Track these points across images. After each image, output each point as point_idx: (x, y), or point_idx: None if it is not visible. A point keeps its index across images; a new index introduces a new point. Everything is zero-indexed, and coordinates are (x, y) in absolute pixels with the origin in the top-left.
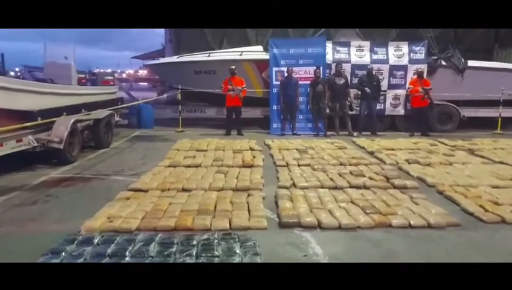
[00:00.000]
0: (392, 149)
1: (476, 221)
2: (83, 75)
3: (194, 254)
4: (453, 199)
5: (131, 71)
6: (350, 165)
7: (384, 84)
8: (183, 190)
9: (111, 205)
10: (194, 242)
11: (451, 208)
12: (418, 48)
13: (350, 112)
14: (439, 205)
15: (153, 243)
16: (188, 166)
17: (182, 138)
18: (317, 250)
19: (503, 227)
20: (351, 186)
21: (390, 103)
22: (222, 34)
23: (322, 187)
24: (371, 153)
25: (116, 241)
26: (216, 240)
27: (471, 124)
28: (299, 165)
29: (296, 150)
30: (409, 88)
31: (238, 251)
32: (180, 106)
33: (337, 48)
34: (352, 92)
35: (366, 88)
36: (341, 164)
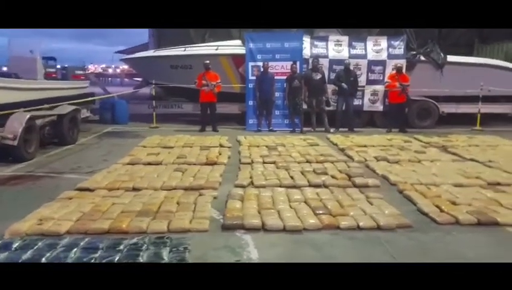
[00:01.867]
0: (365, 146)
1: (430, 222)
2: (53, 70)
3: (115, 260)
4: (411, 199)
5: (126, 66)
6: (317, 162)
7: (362, 80)
8: (133, 189)
9: (48, 205)
10: (121, 247)
11: (408, 208)
12: (397, 42)
13: (327, 108)
14: (396, 205)
15: (76, 248)
16: (149, 163)
17: (154, 134)
18: (253, 254)
19: (455, 228)
20: (310, 185)
21: (369, 99)
22: (204, 28)
23: (280, 186)
24: (342, 150)
25: (36, 247)
26: (145, 245)
27: (451, 120)
28: (264, 163)
29: (266, 147)
30: (386, 82)
31: (165, 257)
32: (154, 102)
33: (315, 43)
34: (330, 87)
35: (342, 84)
36: (307, 162)
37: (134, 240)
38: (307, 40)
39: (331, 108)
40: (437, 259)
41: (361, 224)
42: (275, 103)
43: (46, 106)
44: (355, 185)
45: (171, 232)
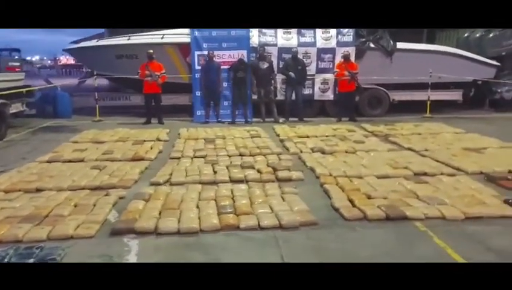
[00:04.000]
0: (307, 136)
1: (338, 218)
2: (16, 63)
3: None
4: (328, 193)
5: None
6: (250, 155)
7: (312, 68)
8: (37, 190)
9: None
10: None
11: (323, 202)
12: (346, 29)
13: (276, 98)
14: (313, 200)
15: None
16: (70, 161)
17: (96, 128)
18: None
19: (362, 224)
20: (231, 181)
21: (319, 88)
22: None
23: (199, 183)
24: (282, 142)
25: None
26: (8, 256)
27: (404, 107)
28: (194, 157)
29: (204, 139)
30: (335, 72)
31: None
32: (96, 94)
33: (263, 31)
34: (280, 76)
35: (290, 73)
36: (240, 155)
37: None
38: (255, 28)
39: (281, 98)
40: (328, 259)
41: (263, 223)
42: (223, 94)
43: None
44: (278, 179)
45: (51, 240)
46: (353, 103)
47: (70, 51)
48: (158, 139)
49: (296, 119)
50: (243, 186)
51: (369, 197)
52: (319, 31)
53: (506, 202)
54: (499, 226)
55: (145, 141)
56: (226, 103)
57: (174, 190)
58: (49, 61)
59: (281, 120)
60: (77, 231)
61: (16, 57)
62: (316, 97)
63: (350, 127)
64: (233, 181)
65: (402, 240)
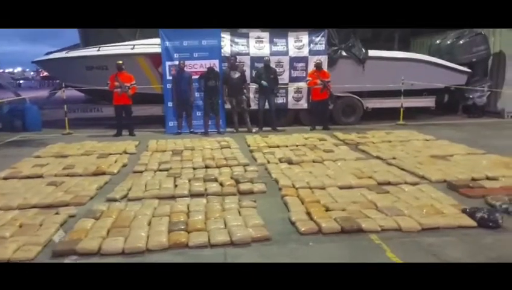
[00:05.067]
0: (278, 146)
1: (294, 232)
2: None
3: None
4: (287, 205)
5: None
6: (216, 167)
7: (285, 77)
8: None
9: None
10: None
11: (282, 216)
12: (318, 38)
13: (249, 107)
14: (272, 213)
15: None
16: (27, 177)
17: (63, 141)
18: None
19: (317, 238)
20: (191, 195)
21: (293, 97)
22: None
23: (157, 197)
24: (251, 152)
25: None
26: None
27: (378, 115)
28: (157, 171)
29: (172, 151)
30: (307, 80)
31: None
32: (66, 106)
33: (235, 40)
34: (253, 86)
35: (262, 81)
36: (206, 167)
37: None
38: (226, 38)
39: (254, 107)
40: None
41: (214, 240)
42: (195, 104)
43: None
44: (239, 192)
45: None
46: (327, 112)
47: (39, 63)
48: (125, 152)
49: (269, 128)
50: (202, 200)
51: (327, 209)
52: (291, 40)
53: (464, 211)
54: (455, 237)
55: (110, 154)
56: (198, 113)
57: (129, 206)
58: (31, 73)
59: (254, 130)
60: (15, 255)
61: None
62: (290, 106)
63: (321, 136)
64: (193, 195)
65: (354, 254)
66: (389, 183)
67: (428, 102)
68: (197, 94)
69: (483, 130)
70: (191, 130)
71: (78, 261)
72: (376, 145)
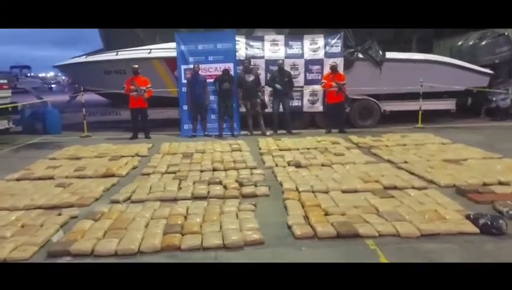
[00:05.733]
0: (288, 149)
1: (289, 236)
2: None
3: None
4: (287, 209)
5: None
6: (224, 170)
7: (300, 80)
8: None
9: None
10: None
11: (280, 219)
12: (334, 40)
13: (263, 111)
14: (272, 216)
15: None
16: (39, 178)
17: (81, 143)
18: None
19: (311, 243)
20: (194, 197)
21: (308, 100)
22: (154, 29)
23: (160, 199)
24: (261, 155)
25: None
26: None
27: (397, 118)
28: (165, 173)
29: (182, 154)
30: (322, 83)
31: None
32: (84, 109)
33: (250, 43)
34: (268, 89)
35: (276, 85)
36: (213, 169)
37: None
38: (242, 41)
39: (269, 110)
40: None
41: (206, 243)
42: (210, 107)
43: None
44: (242, 195)
45: None
46: (342, 114)
47: (59, 67)
48: (137, 155)
49: (284, 131)
50: (203, 203)
51: (326, 214)
52: (306, 42)
53: (467, 217)
54: (455, 244)
55: (122, 156)
56: (213, 117)
57: (131, 208)
58: (63, 77)
59: (268, 133)
60: (12, 254)
61: (28, 74)
62: (305, 109)
63: (335, 139)
64: (196, 198)
65: (346, 259)
66: (395, 188)
67: (449, 105)
68: (212, 97)
69: (504, 134)
70: (206, 133)
71: (71, 262)
72: (389, 148)
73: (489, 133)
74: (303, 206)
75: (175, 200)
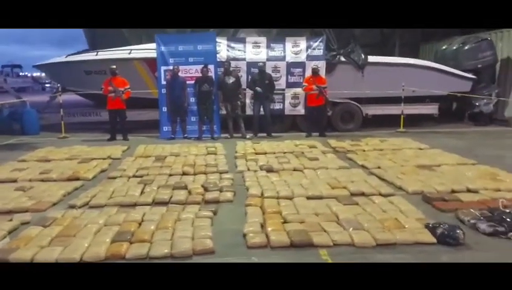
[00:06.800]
0: (264, 153)
1: (242, 245)
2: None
3: None
4: (247, 216)
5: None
6: (193, 174)
7: (282, 83)
8: None
9: None
10: None
11: (237, 227)
12: (316, 43)
13: (244, 113)
14: (233, 223)
15: None
16: (1, 181)
17: (57, 144)
18: None
19: (262, 253)
20: (154, 203)
21: (290, 102)
22: (140, 30)
23: (119, 205)
24: (235, 159)
25: None
26: None
27: (380, 122)
28: (132, 177)
29: (155, 157)
30: (303, 86)
31: None
32: (62, 110)
33: (232, 45)
34: (249, 91)
35: (256, 88)
36: (183, 174)
37: None
38: (223, 42)
39: (250, 113)
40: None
41: (153, 252)
42: (190, 109)
43: None
44: (205, 201)
45: None
46: (323, 118)
47: (40, 67)
48: (109, 157)
49: (265, 134)
50: (162, 209)
51: (285, 221)
52: (288, 45)
53: (426, 227)
54: (409, 254)
55: (93, 159)
56: (193, 119)
57: (86, 213)
58: None
59: (248, 136)
60: None
61: (20, 73)
62: (287, 112)
63: (313, 143)
64: (156, 203)
65: None
66: (362, 194)
67: (431, 109)
68: (192, 99)
69: (485, 139)
70: (185, 135)
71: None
72: (366, 153)
73: (470, 138)
74: (263, 213)
75: (135, 205)
